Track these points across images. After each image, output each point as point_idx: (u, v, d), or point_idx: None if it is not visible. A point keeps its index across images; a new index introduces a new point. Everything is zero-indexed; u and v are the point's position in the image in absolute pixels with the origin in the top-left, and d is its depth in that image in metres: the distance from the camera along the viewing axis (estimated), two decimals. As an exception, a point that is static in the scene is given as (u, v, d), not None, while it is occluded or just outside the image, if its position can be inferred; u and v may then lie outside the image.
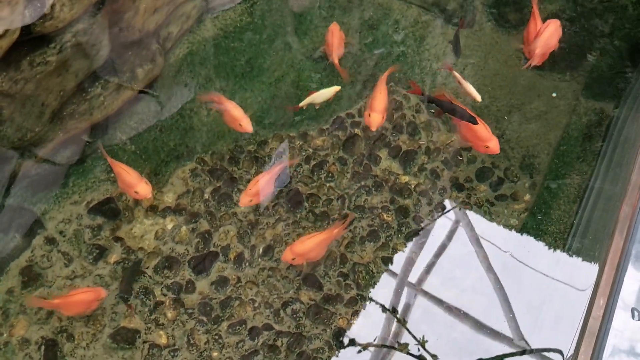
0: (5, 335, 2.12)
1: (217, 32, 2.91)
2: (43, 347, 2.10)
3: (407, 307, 2.28)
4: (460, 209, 2.50)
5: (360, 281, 2.33)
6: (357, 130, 2.71)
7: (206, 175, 2.55)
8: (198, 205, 2.48)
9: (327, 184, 2.57)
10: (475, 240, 2.43)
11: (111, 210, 2.43)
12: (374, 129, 2.34)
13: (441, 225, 2.49)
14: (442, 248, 2.43)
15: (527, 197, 2.53)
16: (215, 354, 2.16)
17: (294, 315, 2.24)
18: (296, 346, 2.17)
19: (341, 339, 2.20)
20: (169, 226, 2.42)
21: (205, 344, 2.17)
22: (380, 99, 2.34)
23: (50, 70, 1.99)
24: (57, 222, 2.38)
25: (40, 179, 2.35)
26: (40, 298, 2.15)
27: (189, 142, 2.63)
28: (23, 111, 2.00)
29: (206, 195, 2.50)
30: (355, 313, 2.26)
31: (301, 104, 2.46)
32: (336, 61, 2.64)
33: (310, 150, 2.66)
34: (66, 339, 2.14)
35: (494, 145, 2.19)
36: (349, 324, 2.24)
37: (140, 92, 2.60)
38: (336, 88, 2.45)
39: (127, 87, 2.43)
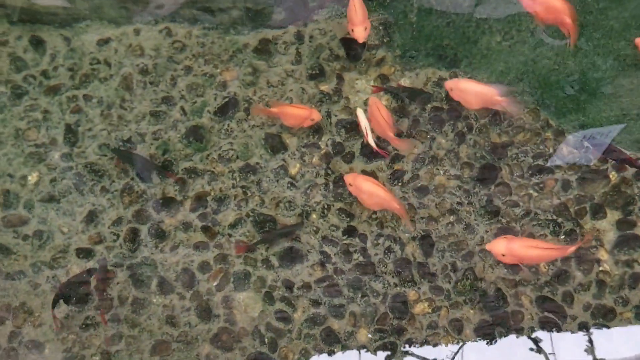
0: (217, 77, 2.49)
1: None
2: (226, 101, 2.45)
3: None
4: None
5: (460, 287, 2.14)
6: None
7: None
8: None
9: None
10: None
11: (356, 52, 2.51)
12: None
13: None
14: None
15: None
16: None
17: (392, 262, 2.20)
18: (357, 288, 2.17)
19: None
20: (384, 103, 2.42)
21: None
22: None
23: None
24: (315, 28, 2.57)
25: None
26: (263, 107, 2.38)
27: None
28: None
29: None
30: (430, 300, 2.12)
31: None
32: None
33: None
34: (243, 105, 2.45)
35: None
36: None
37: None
38: None
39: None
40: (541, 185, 2.27)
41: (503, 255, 1.93)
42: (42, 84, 2.44)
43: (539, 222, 2.21)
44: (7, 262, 2.15)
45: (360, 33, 2.24)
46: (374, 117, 2.19)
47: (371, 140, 2.18)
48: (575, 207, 2.22)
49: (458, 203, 2.26)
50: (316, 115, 2.28)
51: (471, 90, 2.13)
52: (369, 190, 2.08)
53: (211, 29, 2.57)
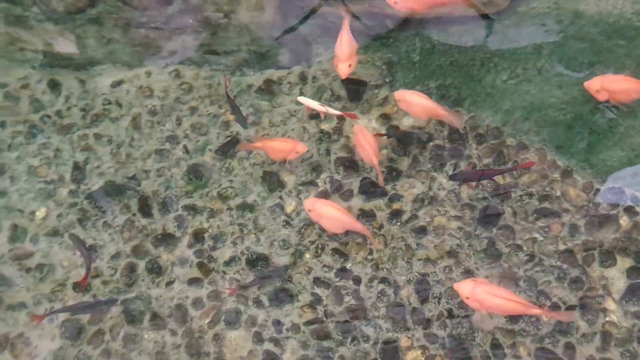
0: (221, 117, 2.55)
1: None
2: (228, 139, 2.49)
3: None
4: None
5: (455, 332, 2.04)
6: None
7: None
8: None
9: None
10: None
11: (358, 93, 2.51)
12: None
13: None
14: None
15: None
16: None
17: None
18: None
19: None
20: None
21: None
22: None
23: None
24: (319, 69, 2.59)
25: (332, 27, 2.54)
26: (247, 143, 2.38)
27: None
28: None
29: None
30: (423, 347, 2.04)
31: None
32: None
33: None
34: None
35: None
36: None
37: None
38: None
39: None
40: (547, 229, 2.16)
41: (467, 298, 1.84)
42: (55, 123, 2.57)
43: (543, 268, 2.10)
44: (10, 294, 2.23)
45: (343, 69, 2.24)
46: (359, 144, 2.17)
47: (332, 111, 2.24)
48: (583, 254, 2.10)
49: (458, 245, 2.19)
50: (301, 148, 2.25)
51: (417, 103, 2.18)
52: (329, 214, 2.06)
53: (217, 71, 2.64)
